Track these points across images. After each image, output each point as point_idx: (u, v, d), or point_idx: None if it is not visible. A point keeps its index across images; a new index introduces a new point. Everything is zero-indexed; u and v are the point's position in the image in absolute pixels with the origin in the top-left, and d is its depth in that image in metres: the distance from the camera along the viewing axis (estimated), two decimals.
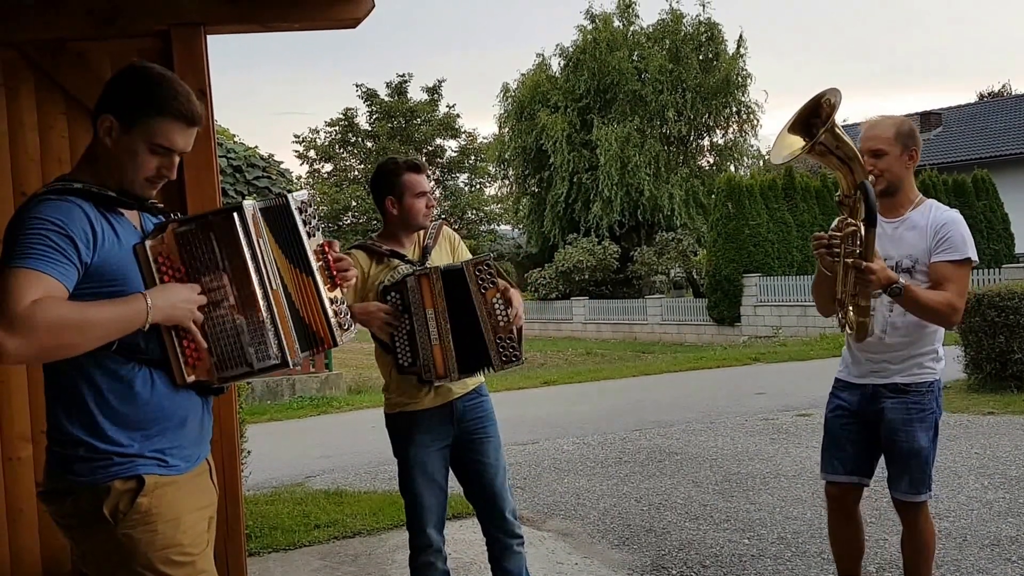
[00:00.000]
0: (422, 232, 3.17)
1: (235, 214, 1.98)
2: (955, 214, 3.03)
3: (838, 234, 2.85)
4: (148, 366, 1.94)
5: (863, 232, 2.79)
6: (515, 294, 2.91)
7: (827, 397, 3.29)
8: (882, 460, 3.18)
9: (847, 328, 2.99)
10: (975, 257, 2.97)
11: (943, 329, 3.06)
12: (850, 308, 2.93)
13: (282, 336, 2.02)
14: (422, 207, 3.11)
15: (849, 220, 2.83)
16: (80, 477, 1.87)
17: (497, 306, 2.85)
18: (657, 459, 6.92)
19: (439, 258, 3.13)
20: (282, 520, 5.44)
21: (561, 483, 6.29)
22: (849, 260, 2.82)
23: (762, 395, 10.26)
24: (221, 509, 3.47)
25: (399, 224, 3.13)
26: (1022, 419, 7.60)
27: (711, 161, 33.69)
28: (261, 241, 2.02)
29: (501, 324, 2.85)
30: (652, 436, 7.99)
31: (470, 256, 3.15)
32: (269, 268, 2.03)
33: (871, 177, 2.88)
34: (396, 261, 3.07)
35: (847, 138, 2.78)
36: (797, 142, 2.80)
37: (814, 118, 2.77)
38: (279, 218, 2.06)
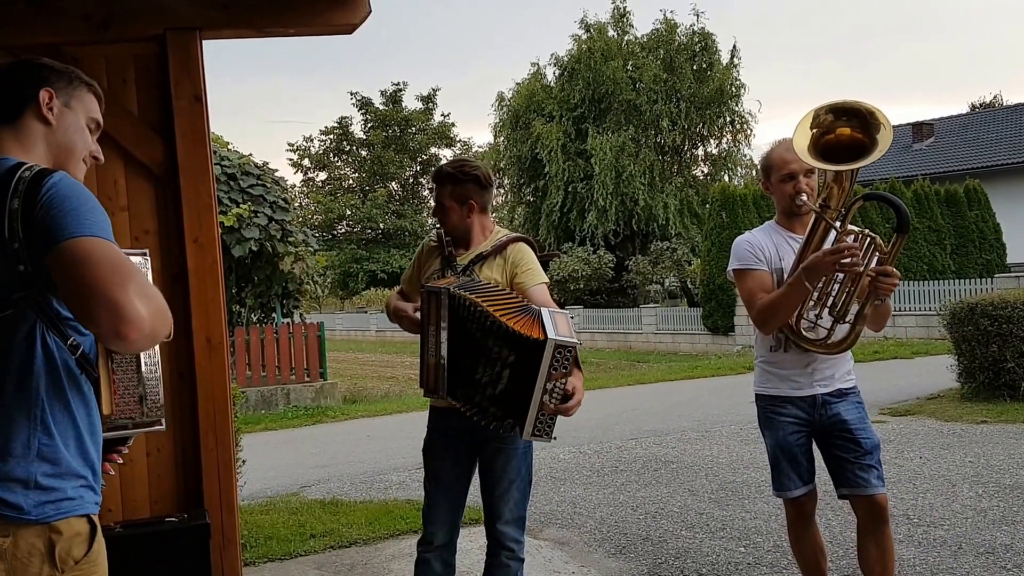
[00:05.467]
0: (492, 240, 3.13)
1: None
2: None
3: (854, 245, 2.86)
4: (94, 384, 1.73)
5: (893, 240, 2.89)
6: (578, 391, 2.75)
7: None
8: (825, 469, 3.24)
9: (820, 344, 3.02)
10: None
11: None
12: (839, 321, 2.97)
13: (161, 395, 1.92)
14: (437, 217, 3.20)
15: (866, 231, 2.90)
16: (26, 515, 1.56)
17: (557, 390, 2.66)
18: (653, 468, 6.92)
19: (489, 272, 3.05)
20: (277, 530, 5.41)
21: (558, 492, 6.27)
22: (871, 271, 2.87)
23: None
24: (216, 518, 3.48)
25: None
26: (1015, 427, 7.61)
27: (705, 171, 33.81)
28: None
29: (550, 406, 2.67)
30: (648, 445, 7.98)
31: (536, 280, 3.05)
32: None
33: (803, 196, 3.00)
34: (446, 264, 3.11)
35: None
36: (803, 139, 2.83)
37: (852, 121, 2.81)
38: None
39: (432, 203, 3.31)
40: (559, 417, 2.69)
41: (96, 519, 1.67)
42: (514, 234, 3.18)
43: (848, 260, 2.83)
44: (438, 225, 3.23)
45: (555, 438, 2.73)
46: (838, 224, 2.88)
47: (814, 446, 3.26)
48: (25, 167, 1.62)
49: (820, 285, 2.95)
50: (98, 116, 1.89)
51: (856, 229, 2.91)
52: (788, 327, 3.06)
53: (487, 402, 2.78)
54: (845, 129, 2.83)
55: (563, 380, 2.66)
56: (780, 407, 3.21)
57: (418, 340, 3.01)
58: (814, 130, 2.84)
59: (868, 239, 2.88)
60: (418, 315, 3.02)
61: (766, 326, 3.10)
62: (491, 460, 3.10)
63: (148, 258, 1.96)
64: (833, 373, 3.16)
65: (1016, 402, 8.50)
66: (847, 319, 2.98)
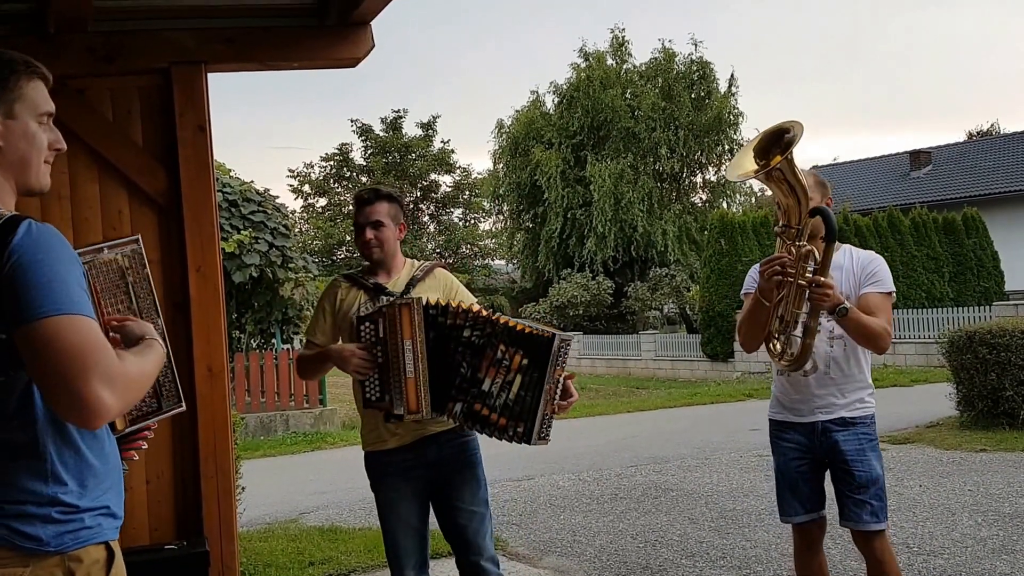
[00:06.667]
0: (412, 267, 3.12)
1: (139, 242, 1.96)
2: (875, 254, 3.22)
3: (788, 257, 2.90)
4: None
5: (820, 251, 2.90)
6: (572, 386, 2.78)
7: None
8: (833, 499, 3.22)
9: (783, 358, 3.04)
10: (894, 293, 3.19)
11: (869, 365, 3.23)
12: (793, 333, 2.98)
13: (178, 380, 1.99)
14: (359, 239, 3.07)
15: (802, 243, 2.91)
16: (45, 546, 1.55)
17: (559, 387, 2.70)
18: (653, 495, 6.90)
19: (426, 295, 2.99)
20: (276, 557, 5.39)
21: (557, 519, 6.25)
22: (803, 280, 2.89)
23: (756, 431, 10.22)
24: (216, 546, 3.48)
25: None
26: (1014, 456, 7.60)
27: (704, 197, 33.91)
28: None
29: (552, 405, 2.69)
30: (648, 472, 7.96)
31: (472, 300, 3.06)
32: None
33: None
34: (378, 294, 3.01)
35: (800, 172, 2.89)
36: (751, 164, 2.94)
37: (774, 146, 2.89)
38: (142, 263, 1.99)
39: (426, 225, 3.27)
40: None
41: (115, 545, 1.67)
42: (429, 261, 3.20)
43: (771, 270, 2.89)
44: (365, 248, 3.08)
45: (550, 440, 2.75)
46: (798, 240, 2.90)
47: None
48: None
49: (781, 301, 2.96)
50: (48, 107, 1.69)
51: (808, 245, 2.90)
52: (766, 346, 3.10)
53: (496, 412, 2.71)
54: (776, 158, 2.88)
55: (562, 376, 2.67)
56: (783, 432, 3.23)
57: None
58: (758, 169, 2.91)
59: (806, 250, 2.89)
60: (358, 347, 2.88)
61: (744, 344, 3.20)
62: (456, 496, 3.05)
63: (140, 244, 1.96)
64: (834, 400, 3.13)
65: (1015, 430, 8.49)
66: (795, 331, 2.98)
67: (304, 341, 3.18)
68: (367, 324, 2.87)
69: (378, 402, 2.87)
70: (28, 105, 1.65)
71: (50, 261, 1.49)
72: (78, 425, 1.54)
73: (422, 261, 3.20)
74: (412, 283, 3.05)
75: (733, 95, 32.36)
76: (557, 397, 2.69)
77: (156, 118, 3.49)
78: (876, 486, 3.11)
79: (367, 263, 3.13)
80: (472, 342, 2.76)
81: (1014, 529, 5.24)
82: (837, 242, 3.17)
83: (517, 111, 34.89)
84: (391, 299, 2.93)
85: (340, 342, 3.05)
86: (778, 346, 3.05)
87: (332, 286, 3.13)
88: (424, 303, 2.83)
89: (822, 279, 2.87)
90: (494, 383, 2.72)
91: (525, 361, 2.68)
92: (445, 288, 3.12)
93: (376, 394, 2.87)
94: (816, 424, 3.14)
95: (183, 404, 2.02)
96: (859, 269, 3.16)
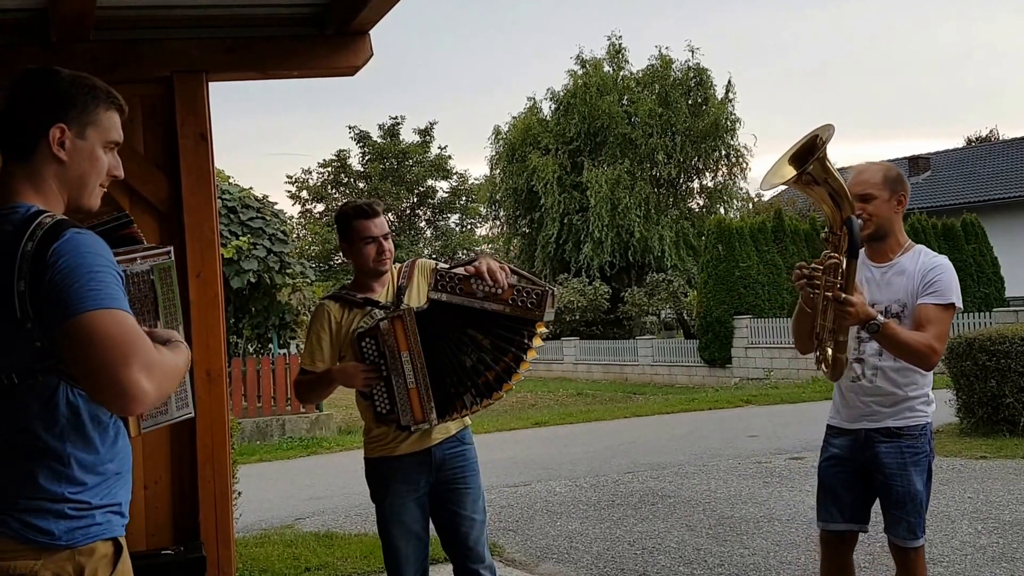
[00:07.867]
0: (396, 274, 3.11)
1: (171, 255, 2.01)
2: (945, 260, 3.04)
3: (819, 267, 2.84)
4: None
5: (844, 265, 2.79)
6: (483, 264, 2.86)
7: (820, 440, 3.27)
8: (876, 505, 3.16)
9: (822, 366, 2.98)
10: (960, 304, 2.98)
11: (931, 373, 3.08)
12: (827, 344, 2.92)
13: (188, 387, 2.03)
14: (371, 252, 3.02)
15: (831, 253, 2.82)
16: (57, 541, 1.62)
17: (480, 287, 2.82)
18: (650, 502, 6.90)
19: (419, 295, 3.03)
20: (272, 563, 5.39)
21: (554, 526, 6.25)
22: (829, 293, 2.81)
23: (755, 438, 10.25)
24: (212, 551, 3.48)
25: (359, 270, 3.09)
26: (1014, 463, 7.61)
27: (701, 203, 33.99)
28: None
29: (500, 294, 2.80)
30: (645, 478, 7.96)
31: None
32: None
33: (859, 222, 2.93)
34: (370, 308, 3.01)
35: (837, 174, 2.81)
36: (789, 172, 2.83)
37: (808, 155, 2.80)
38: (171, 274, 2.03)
39: (423, 230, 3.30)
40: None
41: (122, 540, 1.73)
42: (405, 263, 3.19)
43: (797, 275, 2.87)
44: (380, 263, 3.06)
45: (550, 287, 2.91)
46: (835, 250, 2.84)
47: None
48: (27, 237, 1.60)
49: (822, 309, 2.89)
50: (116, 136, 1.81)
51: (835, 257, 2.83)
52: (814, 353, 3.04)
53: (499, 363, 2.86)
54: (812, 164, 2.80)
55: (468, 286, 2.84)
56: (832, 436, 3.17)
57: None
58: (790, 177, 2.85)
59: (831, 262, 2.81)
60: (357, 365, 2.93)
61: (796, 345, 3.18)
62: (458, 503, 3.07)
63: (172, 256, 2.01)
64: (880, 409, 3.02)
65: (1015, 437, 8.49)
66: (827, 343, 2.91)
67: (301, 370, 3.13)
68: (367, 340, 2.90)
69: (388, 415, 2.91)
70: (100, 130, 1.78)
71: (90, 263, 1.58)
72: (118, 412, 1.63)
73: (398, 265, 3.16)
74: (400, 291, 3.05)
75: (730, 101, 32.46)
76: (490, 284, 2.81)
77: (158, 127, 3.51)
78: (914, 503, 3.01)
79: (363, 277, 3.10)
80: (452, 331, 2.89)
81: (1014, 537, 5.24)
82: (911, 242, 3.11)
83: (514, 117, 34.98)
84: (385, 312, 2.96)
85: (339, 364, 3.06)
86: (819, 354, 2.98)
87: (321, 312, 3.08)
88: (415, 309, 2.91)
89: (843, 295, 2.77)
90: (475, 352, 2.89)
91: (459, 320, 2.87)
92: (430, 274, 3.08)
93: (386, 407, 2.91)
94: (860, 432, 3.06)
95: (192, 411, 2.06)
96: (919, 275, 2.98)
